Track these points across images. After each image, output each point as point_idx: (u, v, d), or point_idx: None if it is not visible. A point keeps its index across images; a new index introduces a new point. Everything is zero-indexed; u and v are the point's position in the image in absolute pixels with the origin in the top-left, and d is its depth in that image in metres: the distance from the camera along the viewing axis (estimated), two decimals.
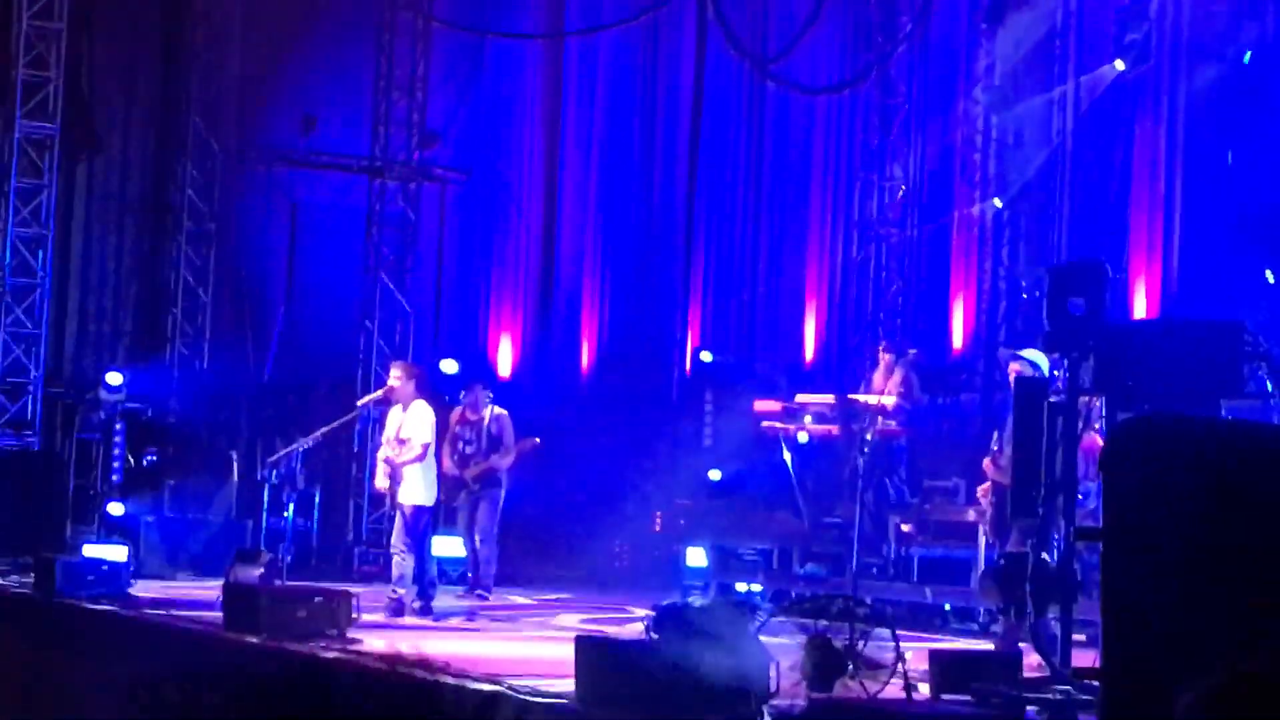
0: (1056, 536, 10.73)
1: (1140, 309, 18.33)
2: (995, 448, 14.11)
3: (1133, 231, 18.87)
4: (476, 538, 17.17)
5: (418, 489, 15.30)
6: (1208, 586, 6.66)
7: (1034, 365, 13.35)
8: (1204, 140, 18.15)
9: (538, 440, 17.72)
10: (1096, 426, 11.70)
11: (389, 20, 22.83)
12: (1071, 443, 10.40)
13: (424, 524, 15.43)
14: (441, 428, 16.35)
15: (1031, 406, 10.61)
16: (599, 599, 17.48)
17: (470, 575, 17.33)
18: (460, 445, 17.29)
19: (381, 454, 15.98)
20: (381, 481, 15.93)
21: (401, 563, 15.31)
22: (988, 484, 14.52)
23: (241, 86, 23.63)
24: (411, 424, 15.44)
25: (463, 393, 17.85)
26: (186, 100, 23.14)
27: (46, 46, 20.99)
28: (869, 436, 16.76)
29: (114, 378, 20.88)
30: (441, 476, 16.47)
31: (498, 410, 17.48)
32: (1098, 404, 11.01)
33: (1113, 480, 7.25)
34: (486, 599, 16.82)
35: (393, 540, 15.66)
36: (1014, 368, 13.85)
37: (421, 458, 15.32)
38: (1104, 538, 7.29)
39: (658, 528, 20.42)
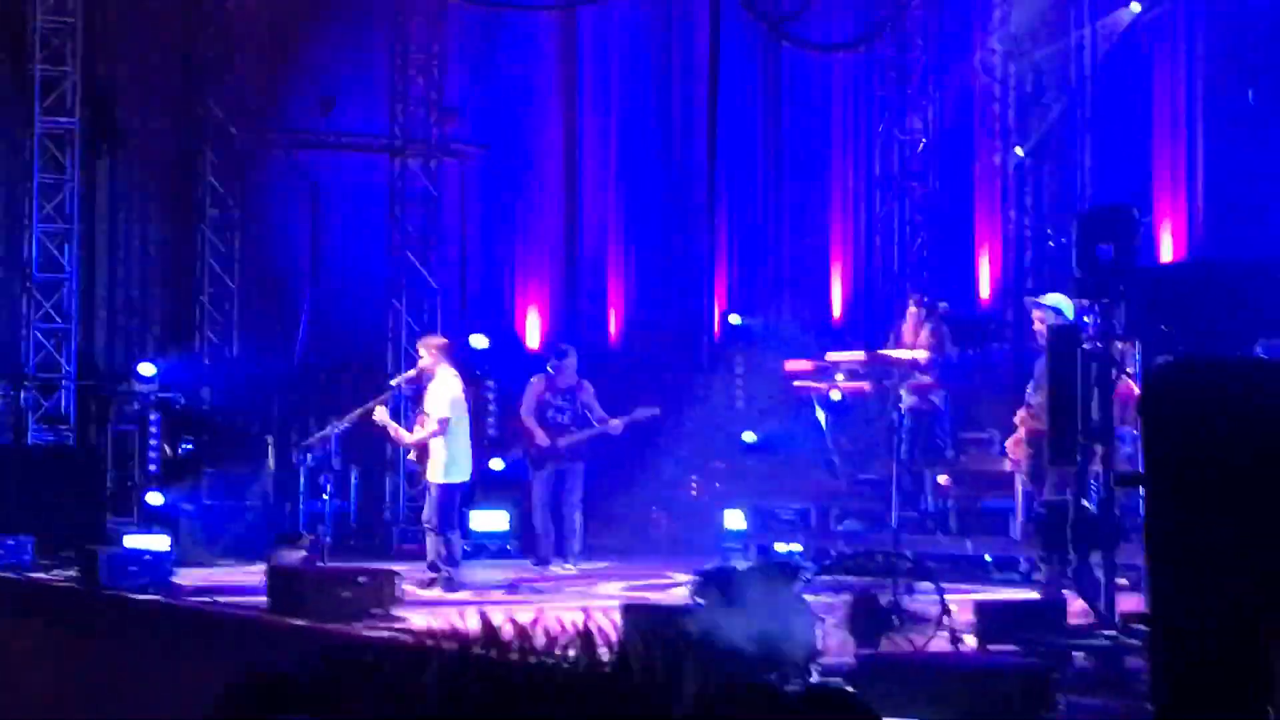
0: (1094, 483, 10.74)
1: (1167, 252, 18.30)
2: (1029, 397, 14.09)
3: (1156, 175, 18.82)
4: (574, 509, 17.34)
5: (439, 465, 15.27)
6: (1252, 526, 6.68)
7: (1057, 311, 13.33)
8: (1224, 79, 18.08)
9: (657, 410, 17.86)
10: (1129, 371, 11.70)
11: None
12: (1107, 389, 10.40)
13: (453, 501, 15.37)
14: (477, 402, 16.38)
15: (1065, 353, 10.61)
16: (639, 566, 17.53)
17: (542, 545, 17.41)
18: (550, 414, 17.36)
19: (394, 434, 16.04)
20: (413, 457, 16.02)
21: (431, 541, 15.36)
22: (1017, 435, 14.50)
23: (258, 71, 23.63)
24: (430, 398, 15.42)
25: (551, 361, 17.84)
26: (204, 87, 23.14)
27: (62, 41, 21.00)
28: (902, 392, 16.79)
29: (146, 369, 20.95)
30: (529, 446, 16.80)
31: (584, 381, 17.62)
32: (1131, 349, 11.02)
33: (1152, 424, 7.26)
34: (574, 570, 17.02)
35: (423, 516, 15.70)
36: (1037, 315, 13.83)
37: (439, 433, 15.22)
38: (1145, 482, 7.31)
39: (694, 492, 20.45)
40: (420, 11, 22.73)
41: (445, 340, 16.16)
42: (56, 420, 20.91)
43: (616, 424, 17.58)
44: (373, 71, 23.21)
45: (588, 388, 17.69)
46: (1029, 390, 14.04)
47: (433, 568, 15.17)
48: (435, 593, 14.65)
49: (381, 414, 15.70)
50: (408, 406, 18.39)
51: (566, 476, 17.45)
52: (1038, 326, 13.77)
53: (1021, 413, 14.26)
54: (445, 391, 15.28)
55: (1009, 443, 14.93)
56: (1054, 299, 13.67)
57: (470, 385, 16.29)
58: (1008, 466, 15.79)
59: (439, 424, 15.16)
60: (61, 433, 20.89)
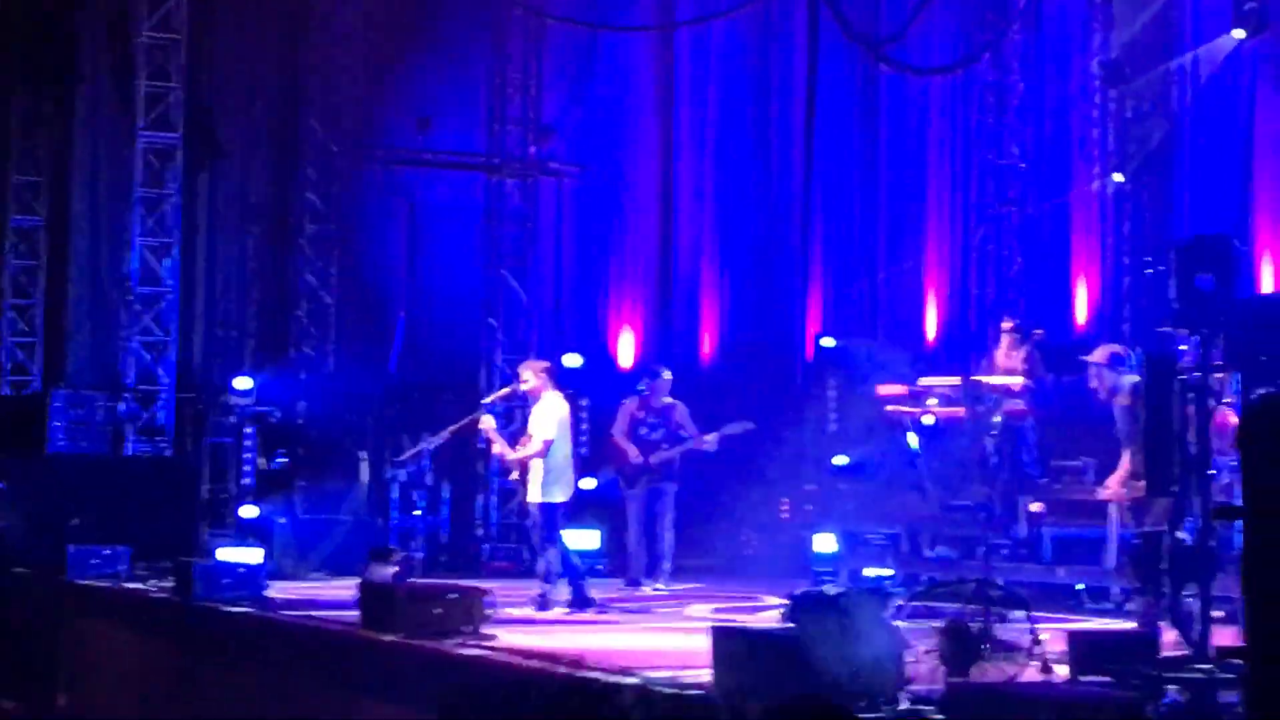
0: (1191, 514, 10.64)
1: (1268, 282, 18.11)
2: (1125, 455, 13.89)
3: (1257, 203, 18.64)
4: (666, 530, 17.43)
5: (538, 485, 15.29)
6: None
7: (1110, 363, 13.34)
8: None
9: (751, 425, 17.91)
10: (1228, 401, 11.60)
11: (502, 18, 22.93)
12: (1204, 419, 10.31)
13: (554, 519, 15.38)
14: (574, 421, 16.47)
15: (1162, 384, 10.52)
16: (729, 588, 17.51)
17: (633, 565, 17.52)
18: (643, 431, 17.50)
19: (498, 449, 16.14)
20: (514, 476, 16.10)
21: (540, 559, 15.38)
22: (1119, 475, 14.29)
23: (358, 89, 23.83)
24: (535, 419, 15.47)
25: (644, 381, 17.95)
26: (304, 104, 23.37)
27: (166, 57, 21.24)
28: (995, 419, 16.69)
29: (242, 382, 21.11)
30: (621, 464, 17.10)
31: (676, 400, 17.75)
32: (1229, 380, 10.92)
33: (1250, 456, 7.20)
34: (664, 591, 17.09)
35: (533, 540, 15.75)
36: (1092, 373, 13.73)
37: (542, 454, 15.25)
38: (1244, 514, 7.25)
39: (785, 515, 20.41)
40: (518, 32, 22.88)
41: (549, 363, 16.21)
42: (154, 432, 21.13)
43: (710, 439, 17.64)
44: (470, 90, 23.38)
45: (681, 408, 17.77)
46: (1123, 444, 13.81)
47: (548, 580, 15.20)
48: (527, 611, 14.69)
49: (488, 423, 15.79)
50: (499, 424, 18.46)
51: (659, 496, 17.54)
52: (1094, 384, 13.68)
53: (1125, 467, 14.01)
54: (552, 413, 15.32)
55: (1110, 480, 14.65)
56: (1100, 354, 13.63)
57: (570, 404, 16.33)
58: (1101, 495, 15.64)
59: (543, 445, 15.19)
60: (159, 444, 21.11)
